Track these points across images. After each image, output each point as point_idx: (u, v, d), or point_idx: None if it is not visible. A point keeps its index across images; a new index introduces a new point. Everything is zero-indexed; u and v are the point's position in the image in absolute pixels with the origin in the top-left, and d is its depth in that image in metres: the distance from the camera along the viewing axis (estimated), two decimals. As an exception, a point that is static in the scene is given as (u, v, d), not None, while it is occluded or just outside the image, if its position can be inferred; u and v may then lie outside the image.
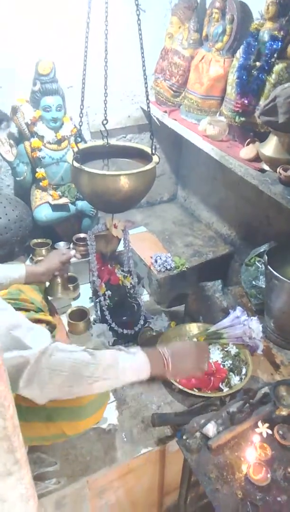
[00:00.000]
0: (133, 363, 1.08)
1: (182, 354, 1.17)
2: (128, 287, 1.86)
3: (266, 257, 1.66)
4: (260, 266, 1.86)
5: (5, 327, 0.91)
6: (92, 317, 1.88)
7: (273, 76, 1.58)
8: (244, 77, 1.65)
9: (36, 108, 1.97)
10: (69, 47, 1.92)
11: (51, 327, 1.50)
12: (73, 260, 1.79)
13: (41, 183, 2.11)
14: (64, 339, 1.81)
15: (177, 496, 1.48)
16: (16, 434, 0.47)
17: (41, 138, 2.02)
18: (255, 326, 1.65)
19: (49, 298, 1.73)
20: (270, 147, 1.56)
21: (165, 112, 2.13)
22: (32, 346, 0.93)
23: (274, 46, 1.56)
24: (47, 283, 1.71)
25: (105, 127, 1.51)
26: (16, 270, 1.51)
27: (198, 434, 1.30)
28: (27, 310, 1.45)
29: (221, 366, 1.61)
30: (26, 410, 1.13)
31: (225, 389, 1.53)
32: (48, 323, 1.50)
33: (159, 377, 1.20)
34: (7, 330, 0.91)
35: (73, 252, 1.69)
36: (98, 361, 1.01)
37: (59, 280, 1.70)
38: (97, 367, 1.00)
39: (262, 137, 1.65)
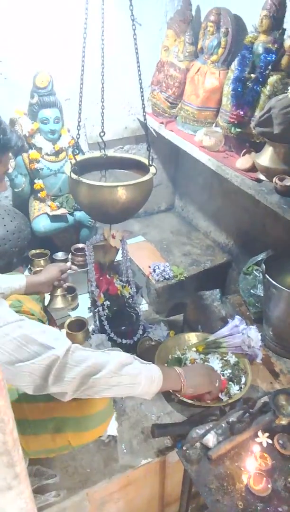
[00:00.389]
0: (146, 370, 1.12)
1: (195, 371, 1.31)
2: (127, 296, 1.86)
3: (264, 266, 1.67)
4: (258, 274, 1.86)
5: (27, 334, 0.96)
6: (91, 327, 1.88)
7: (268, 87, 1.61)
8: (239, 89, 1.68)
9: (34, 121, 2.00)
10: (67, 60, 1.95)
11: None
12: (70, 271, 1.80)
13: (39, 194, 2.12)
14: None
15: (178, 507, 1.47)
16: (16, 448, 0.47)
17: (39, 149, 2.04)
18: (254, 334, 1.66)
19: (49, 309, 1.74)
20: (265, 157, 1.58)
21: (162, 123, 2.15)
22: (54, 346, 0.98)
23: (268, 58, 1.59)
24: (47, 295, 1.72)
25: (102, 139, 1.53)
26: (16, 280, 1.51)
27: (198, 444, 1.30)
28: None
29: (222, 377, 1.61)
30: (34, 423, 1.12)
31: (225, 399, 1.53)
32: None
33: (173, 390, 1.28)
34: (29, 337, 0.96)
35: (69, 263, 1.70)
36: (115, 358, 1.07)
37: (58, 291, 1.71)
38: (114, 363, 1.05)
39: (258, 148, 1.67)
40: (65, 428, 1.15)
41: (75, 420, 1.15)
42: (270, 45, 1.59)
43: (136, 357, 1.15)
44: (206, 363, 1.68)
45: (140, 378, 1.10)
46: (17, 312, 1.41)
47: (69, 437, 1.16)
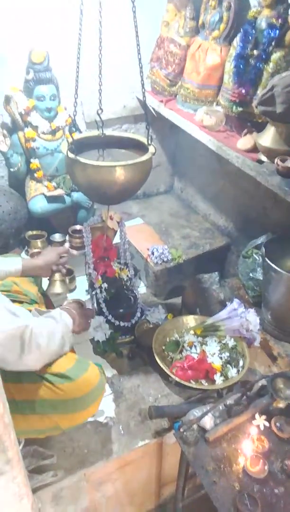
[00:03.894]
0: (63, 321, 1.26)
1: (79, 314, 1.35)
2: (125, 279, 1.84)
3: (264, 249, 1.65)
4: (257, 258, 1.84)
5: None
6: (89, 310, 1.87)
7: (271, 65, 1.56)
8: (241, 66, 1.63)
9: (30, 97, 1.94)
10: (63, 35, 1.87)
11: None
12: (68, 254, 1.78)
13: (35, 174, 2.08)
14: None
15: (174, 487, 1.48)
16: (8, 433, 0.45)
17: (35, 128, 1.99)
18: (252, 318, 1.65)
19: (47, 294, 1.72)
20: (267, 137, 1.54)
21: (161, 101, 2.10)
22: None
23: (272, 34, 1.54)
24: (45, 281, 1.70)
25: (100, 117, 1.48)
26: (12, 263, 1.49)
27: (195, 426, 1.30)
28: (20, 302, 1.44)
29: (208, 360, 1.60)
30: (21, 403, 1.13)
31: (222, 381, 1.53)
32: None
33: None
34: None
35: (67, 245, 1.68)
36: (54, 317, 1.24)
37: (57, 276, 1.68)
38: (55, 322, 1.22)
39: (259, 128, 1.63)
40: (54, 410, 1.15)
41: (64, 403, 1.15)
42: (274, 20, 1.53)
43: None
44: (204, 345, 1.67)
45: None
46: (6, 292, 1.41)
47: (57, 419, 1.17)
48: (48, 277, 1.65)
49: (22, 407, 1.14)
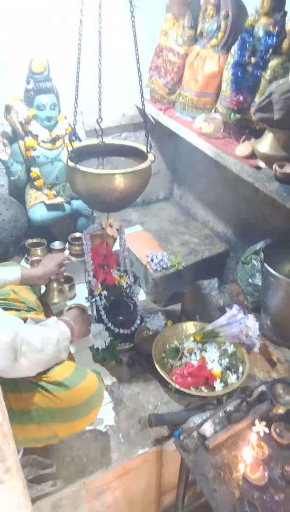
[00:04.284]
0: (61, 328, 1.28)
1: (80, 321, 1.40)
2: (124, 286, 1.84)
3: (263, 255, 1.65)
4: (256, 263, 1.85)
5: None
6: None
7: (268, 72, 1.57)
8: (239, 73, 1.64)
9: (30, 107, 1.96)
10: (63, 45, 1.89)
11: None
12: (67, 261, 1.78)
13: (35, 183, 2.09)
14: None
15: (175, 496, 1.47)
16: (7, 442, 0.45)
17: (35, 137, 2.01)
18: (251, 324, 1.65)
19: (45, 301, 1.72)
20: (265, 144, 1.55)
21: (160, 110, 2.12)
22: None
23: (269, 42, 1.55)
24: (43, 287, 1.70)
25: (100, 125, 1.49)
26: (11, 272, 1.49)
27: (195, 433, 1.30)
28: (17, 310, 1.44)
29: (208, 366, 1.60)
30: (19, 413, 1.12)
31: (222, 388, 1.52)
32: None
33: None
34: None
35: (67, 252, 1.68)
36: (48, 324, 1.24)
37: (55, 285, 1.69)
38: (50, 329, 1.23)
39: (257, 134, 1.64)
40: (52, 419, 1.14)
41: (62, 411, 1.15)
42: (271, 27, 1.55)
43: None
44: (203, 352, 1.67)
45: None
46: (3, 300, 1.41)
47: (55, 428, 1.17)
48: (45, 287, 1.66)
49: (20, 417, 1.13)
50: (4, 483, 0.48)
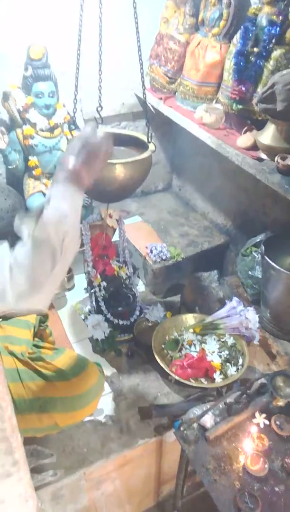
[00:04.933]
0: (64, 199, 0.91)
1: (89, 162, 0.95)
2: (124, 277, 1.84)
3: (263, 247, 1.64)
4: (257, 256, 1.84)
5: None
6: (87, 308, 1.86)
7: (271, 62, 1.55)
8: (241, 63, 1.62)
9: (28, 94, 1.92)
10: (63, 31, 1.86)
11: (43, 316, 1.49)
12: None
13: (33, 172, 2.06)
14: (60, 331, 1.79)
15: (174, 485, 1.48)
16: (15, 435, 0.45)
17: (34, 125, 1.97)
18: (251, 316, 1.65)
19: None
20: (267, 135, 1.54)
21: (160, 99, 2.09)
22: None
23: (273, 32, 1.52)
24: None
25: (99, 114, 1.47)
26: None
27: (195, 425, 1.30)
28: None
29: (207, 358, 1.60)
30: (19, 402, 1.12)
31: (221, 380, 1.53)
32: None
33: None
34: None
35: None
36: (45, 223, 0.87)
37: None
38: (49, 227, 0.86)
39: (259, 125, 1.62)
40: (52, 408, 1.14)
41: (63, 401, 1.14)
42: (274, 17, 1.52)
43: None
44: (203, 343, 1.67)
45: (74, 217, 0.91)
46: None
47: (56, 417, 1.16)
48: None
49: (21, 406, 1.14)
50: (12, 475, 0.47)
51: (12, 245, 0.98)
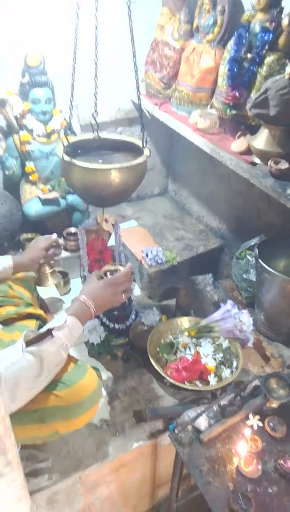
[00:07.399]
0: (70, 336, 1.14)
1: (101, 295, 1.25)
2: (119, 281, 1.85)
3: (257, 251, 1.66)
4: (251, 259, 1.86)
5: None
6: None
7: (265, 68, 1.57)
8: (235, 69, 1.64)
9: (25, 100, 1.94)
10: (59, 39, 1.88)
11: (42, 321, 1.49)
12: (64, 254, 1.76)
13: (30, 177, 2.08)
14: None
15: (169, 489, 1.48)
16: (8, 435, 0.46)
17: (30, 131, 1.99)
18: (245, 319, 1.66)
19: (38, 287, 1.70)
20: (261, 140, 1.56)
21: (156, 104, 2.11)
22: None
23: (265, 38, 1.55)
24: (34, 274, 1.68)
25: (95, 120, 1.49)
26: (4, 261, 1.48)
27: (189, 427, 1.31)
28: (16, 305, 1.44)
29: (202, 361, 1.61)
30: (19, 414, 1.11)
31: (216, 382, 1.54)
32: (38, 317, 1.48)
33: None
34: None
35: (55, 235, 1.64)
36: (42, 358, 1.05)
37: (47, 268, 1.65)
38: (42, 365, 1.05)
39: (253, 130, 1.64)
40: (51, 418, 1.12)
41: (62, 409, 1.13)
42: (267, 23, 1.55)
43: (51, 327, 1.13)
44: (198, 346, 1.68)
45: (66, 349, 1.13)
46: (3, 297, 1.40)
47: (56, 426, 1.14)
48: (36, 272, 1.64)
49: (20, 417, 1.12)
50: (5, 476, 0.48)
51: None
